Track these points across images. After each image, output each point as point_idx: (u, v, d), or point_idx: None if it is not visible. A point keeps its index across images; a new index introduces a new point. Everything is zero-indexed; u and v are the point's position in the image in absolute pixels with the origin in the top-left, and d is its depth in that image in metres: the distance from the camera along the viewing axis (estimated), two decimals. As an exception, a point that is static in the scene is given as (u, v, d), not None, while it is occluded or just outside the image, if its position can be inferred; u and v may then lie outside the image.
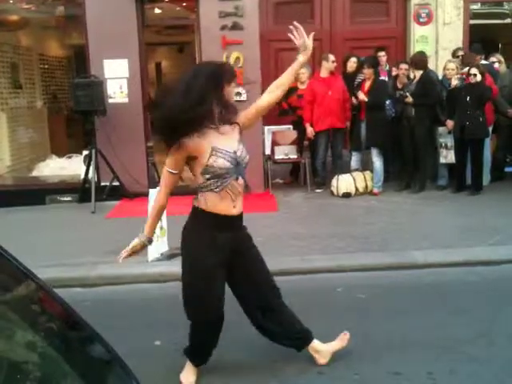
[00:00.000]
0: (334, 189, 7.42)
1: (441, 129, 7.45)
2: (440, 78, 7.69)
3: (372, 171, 7.51)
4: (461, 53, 7.88)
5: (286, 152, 7.91)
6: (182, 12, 8.59)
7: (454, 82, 7.07)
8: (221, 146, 2.76)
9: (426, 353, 3.34)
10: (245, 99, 7.26)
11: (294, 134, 8.09)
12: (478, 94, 6.80)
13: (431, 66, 7.89)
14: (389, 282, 4.55)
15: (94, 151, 7.30)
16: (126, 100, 7.61)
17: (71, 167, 8.74)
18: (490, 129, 7.45)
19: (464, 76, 7.01)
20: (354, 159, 7.82)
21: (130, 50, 7.55)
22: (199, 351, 3.13)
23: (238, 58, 7.51)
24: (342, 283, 4.53)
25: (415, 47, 8.39)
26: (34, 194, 7.57)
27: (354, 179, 7.37)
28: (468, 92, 6.85)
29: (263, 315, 3.09)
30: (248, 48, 7.51)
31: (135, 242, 2.88)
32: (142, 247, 2.93)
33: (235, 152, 2.81)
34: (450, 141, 7.29)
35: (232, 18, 7.47)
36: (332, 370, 3.19)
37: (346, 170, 7.60)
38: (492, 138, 7.67)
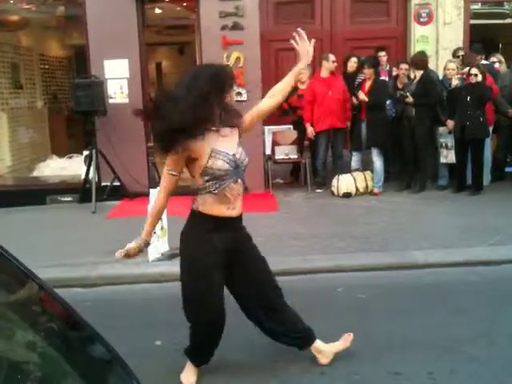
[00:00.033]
0: (334, 189, 7.42)
1: (441, 129, 7.45)
2: (440, 77, 7.69)
3: (372, 171, 7.51)
4: (461, 53, 7.87)
5: (286, 152, 7.91)
6: (183, 12, 8.59)
7: (455, 82, 7.07)
8: (220, 148, 2.76)
9: (427, 353, 3.34)
10: (245, 99, 7.28)
11: (294, 134, 8.09)
12: (479, 93, 6.80)
13: (431, 65, 7.89)
14: (389, 282, 4.55)
15: (94, 151, 7.31)
16: (126, 100, 7.62)
17: (72, 167, 8.75)
18: (491, 129, 7.45)
19: (464, 76, 7.02)
20: (355, 159, 7.82)
21: (131, 50, 7.55)
22: (200, 351, 3.13)
23: (238, 58, 7.51)
24: (342, 283, 4.53)
25: (415, 47, 8.39)
26: (35, 194, 7.57)
27: (355, 179, 7.37)
28: (468, 92, 6.85)
29: (265, 315, 3.09)
30: (248, 48, 7.51)
31: (131, 244, 2.84)
32: (138, 250, 2.87)
33: (234, 154, 2.81)
34: (450, 141, 7.29)
35: (232, 18, 7.47)
36: (332, 370, 3.19)
37: (347, 170, 7.60)
38: (492, 138, 7.67)
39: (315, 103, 7.54)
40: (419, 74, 7.20)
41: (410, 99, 7.10)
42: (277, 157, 7.90)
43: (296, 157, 7.97)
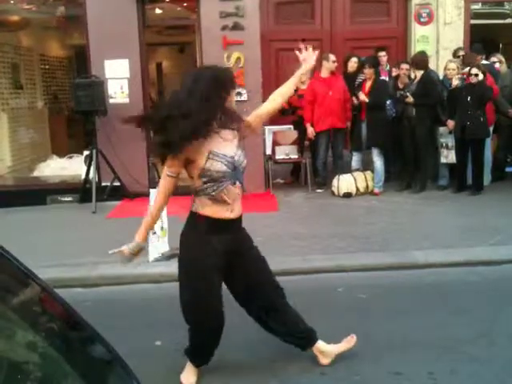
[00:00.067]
0: (334, 189, 7.42)
1: (441, 129, 7.45)
2: (441, 77, 7.69)
3: (373, 171, 7.51)
4: (462, 53, 7.87)
5: (286, 152, 7.91)
6: (183, 12, 8.59)
7: (455, 82, 7.07)
8: (219, 150, 2.76)
9: (427, 353, 3.34)
10: (245, 99, 7.28)
11: (294, 134, 8.09)
12: (479, 94, 6.80)
13: (432, 65, 7.89)
14: (389, 282, 4.54)
15: (94, 151, 7.31)
16: (126, 100, 7.61)
17: (72, 167, 8.74)
18: (491, 129, 7.45)
19: (465, 76, 7.02)
20: (355, 159, 7.82)
21: (131, 50, 7.55)
22: (200, 352, 3.13)
23: (238, 59, 7.51)
24: (342, 283, 4.53)
25: (416, 47, 8.38)
26: (35, 195, 7.57)
27: (355, 179, 7.37)
28: (469, 92, 6.85)
29: (267, 315, 3.09)
30: (249, 48, 7.50)
31: (124, 247, 2.87)
32: (134, 253, 2.90)
33: (233, 157, 2.80)
34: (450, 141, 7.29)
35: (233, 18, 7.47)
36: (332, 370, 3.19)
37: (347, 170, 7.60)
38: (493, 138, 7.67)
39: (315, 103, 7.53)
40: (419, 74, 7.19)
41: (410, 99, 7.09)
42: (277, 157, 7.90)
43: (296, 157, 7.97)
